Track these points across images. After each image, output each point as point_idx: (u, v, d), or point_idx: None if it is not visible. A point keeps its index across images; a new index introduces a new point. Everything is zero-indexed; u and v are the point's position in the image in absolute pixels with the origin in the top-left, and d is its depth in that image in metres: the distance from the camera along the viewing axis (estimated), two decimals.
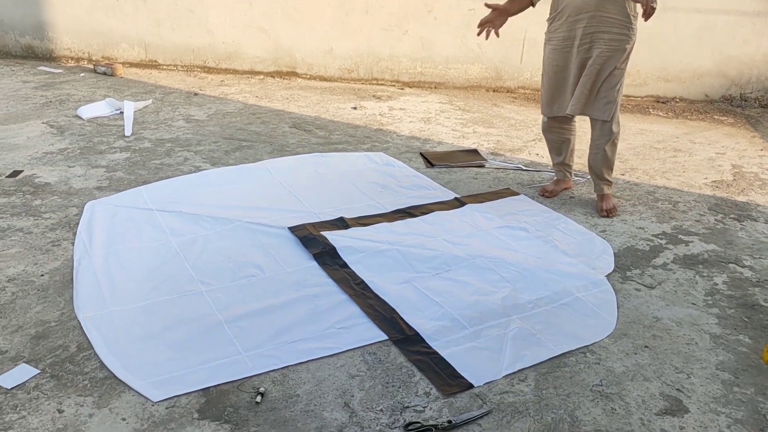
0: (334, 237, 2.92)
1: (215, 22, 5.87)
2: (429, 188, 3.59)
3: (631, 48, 3.10)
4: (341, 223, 3.08)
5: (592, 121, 3.28)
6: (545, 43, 3.29)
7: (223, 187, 3.48)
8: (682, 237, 3.11)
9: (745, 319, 2.46)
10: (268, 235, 2.96)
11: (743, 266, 2.85)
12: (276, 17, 5.79)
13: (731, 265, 2.85)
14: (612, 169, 3.37)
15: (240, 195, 3.39)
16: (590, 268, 2.78)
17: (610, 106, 3.16)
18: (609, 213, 3.32)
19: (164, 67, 6.09)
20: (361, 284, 2.59)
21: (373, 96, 5.47)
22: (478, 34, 3.30)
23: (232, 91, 5.46)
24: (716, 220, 3.31)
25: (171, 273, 2.64)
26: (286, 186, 3.51)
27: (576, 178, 3.73)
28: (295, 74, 5.97)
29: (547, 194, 3.54)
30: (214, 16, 5.85)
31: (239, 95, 5.33)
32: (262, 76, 5.97)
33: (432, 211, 3.27)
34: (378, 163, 3.92)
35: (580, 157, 3.80)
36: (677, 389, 2.08)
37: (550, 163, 4.01)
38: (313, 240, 2.90)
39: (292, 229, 3.00)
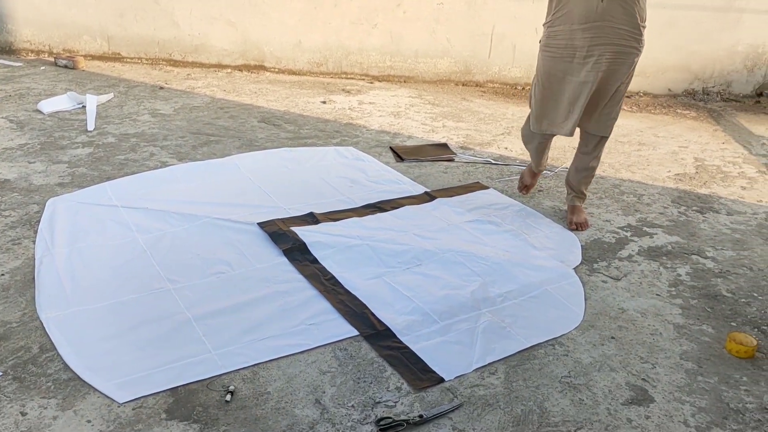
0: (304, 232, 2.91)
1: (181, 14, 5.77)
2: (399, 183, 3.59)
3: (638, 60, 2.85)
4: (311, 219, 3.06)
5: (588, 135, 3.04)
6: (541, 50, 2.93)
7: (191, 183, 3.43)
8: (647, 229, 3.16)
9: (708, 310, 2.52)
10: (236, 231, 2.93)
11: (706, 257, 2.91)
12: (244, 10, 5.71)
13: (694, 257, 2.91)
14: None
15: (208, 191, 3.35)
16: (558, 261, 2.81)
17: (612, 122, 2.96)
18: (580, 227, 3.12)
19: (128, 59, 5.97)
20: (332, 280, 2.58)
21: (343, 90, 5.45)
22: None
23: (199, 84, 5.38)
24: (679, 212, 3.37)
25: (137, 271, 2.59)
26: (255, 181, 3.48)
27: (545, 172, 3.76)
28: (263, 68, 5.91)
29: (525, 188, 3.46)
30: (180, 8, 5.75)
31: (206, 89, 5.26)
32: (229, 70, 5.89)
33: (402, 205, 3.27)
34: (348, 158, 3.91)
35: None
36: (642, 379, 2.12)
37: (519, 157, 4.05)
38: (282, 236, 2.88)
39: (262, 225, 2.97)
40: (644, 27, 2.72)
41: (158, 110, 4.65)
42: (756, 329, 2.40)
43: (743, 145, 4.43)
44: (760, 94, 5.50)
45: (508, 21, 5.53)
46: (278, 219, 3.03)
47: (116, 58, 5.97)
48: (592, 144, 3.04)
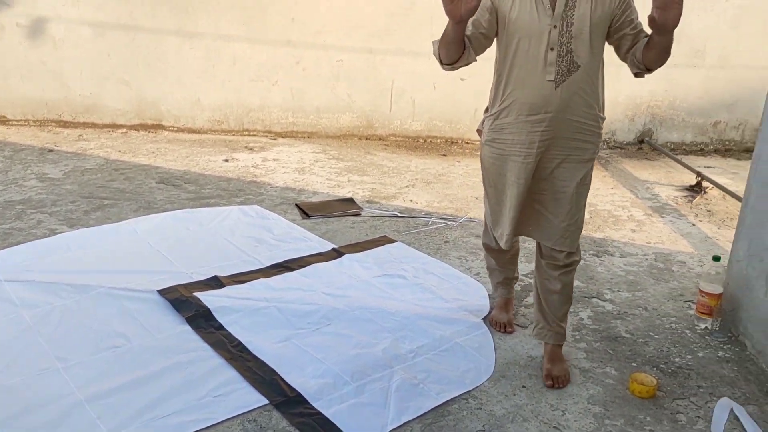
0: (207, 297, 2.79)
1: (71, 74, 5.55)
2: (306, 240, 3.54)
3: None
4: (215, 282, 2.95)
5: (548, 248, 2.43)
6: (484, 144, 2.38)
7: (83, 251, 3.23)
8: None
9: (610, 352, 2.60)
10: (134, 301, 2.77)
11: (604, 300, 3.03)
12: (138, 68, 5.58)
13: (594, 300, 3.02)
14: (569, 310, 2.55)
15: (102, 258, 3.16)
16: (467, 311, 2.84)
17: (576, 233, 2.36)
18: (558, 382, 2.38)
19: (14, 122, 5.65)
20: (239, 346, 2.48)
21: (246, 147, 5.38)
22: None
23: (91, 146, 5.15)
24: None
25: (22, 350, 2.39)
26: (154, 246, 3.33)
27: (438, 221, 3.83)
28: (161, 127, 5.75)
29: (503, 327, 2.73)
30: (70, 68, 5.54)
31: (100, 150, 5.04)
32: (124, 130, 5.70)
33: (310, 263, 3.23)
34: (252, 217, 3.83)
35: (448, 199, 3.90)
36: (554, 427, 2.14)
37: (424, 209, 4.12)
38: (185, 302, 2.75)
39: (162, 292, 2.83)
40: (603, 119, 2.30)
41: (47, 174, 4.40)
42: (655, 368, 2.50)
43: (630, 189, 4.71)
44: (641, 141, 5.90)
45: (406, 76, 5.69)
46: (180, 285, 2.90)
47: (1, 120, 5.64)
48: (554, 259, 2.42)
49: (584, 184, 2.32)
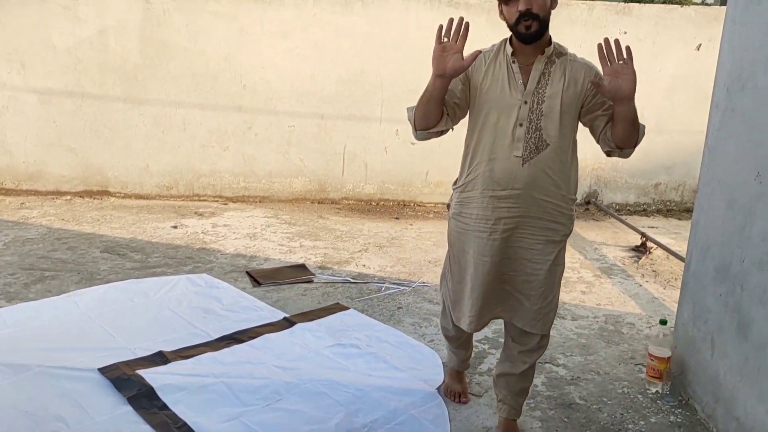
0: (151, 375, 2.67)
1: (14, 140, 5.43)
2: (256, 309, 3.46)
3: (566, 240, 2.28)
4: (160, 359, 2.83)
5: (518, 330, 2.34)
6: (450, 218, 2.33)
7: (21, 327, 3.07)
8: (501, 340, 3.25)
9: (565, 420, 2.59)
10: (74, 380, 2.63)
11: (558, 365, 3.03)
12: (85, 135, 5.50)
13: (547, 365, 3.02)
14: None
15: (41, 335, 3.01)
16: (422, 381, 2.79)
17: (550, 315, 2.27)
18: None
19: None
20: (184, 427, 2.36)
21: (195, 213, 5.31)
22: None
23: (34, 214, 5.00)
24: None
25: None
26: (96, 320, 3.19)
27: (391, 286, 3.82)
28: (107, 193, 5.64)
29: (458, 397, 2.69)
30: (12, 135, 5.42)
31: (42, 218, 4.89)
32: (69, 197, 5.55)
33: (260, 334, 3.14)
34: (201, 286, 3.73)
35: (401, 263, 3.89)
36: None
37: (377, 274, 4.10)
38: (127, 381, 2.62)
39: (103, 371, 2.70)
40: (574, 200, 2.23)
41: None
42: None
43: (579, 250, 4.81)
44: (588, 203, 6.08)
45: (358, 141, 5.77)
46: (122, 362, 2.77)
47: None
48: (526, 341, 2.35)
49: (557, 265, 2.23)
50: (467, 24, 2.01)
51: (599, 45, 1.98)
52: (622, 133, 2.08)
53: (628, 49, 1.97)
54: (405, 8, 5.50)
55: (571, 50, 2.20)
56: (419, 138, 2.25)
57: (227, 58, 5.50)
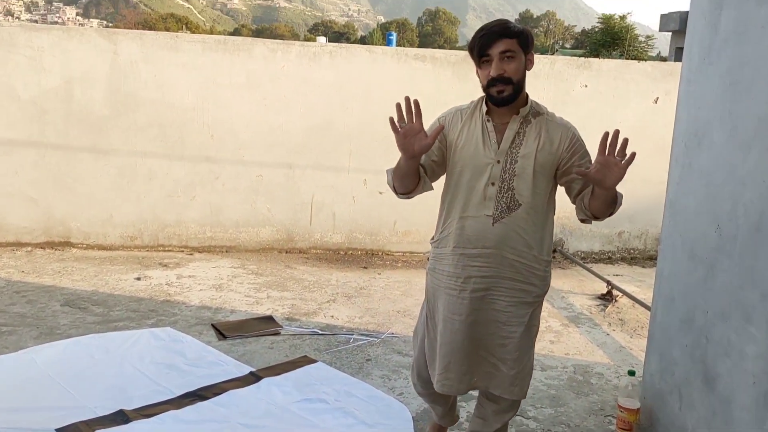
0: None
1: None
2: (221, 364, 3.37)
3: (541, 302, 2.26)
4: (120, 417, 2.73)
5: (496, 396, 2.32)
6: (427, 273, 2.33)
7: None
8: (472, 393, 3.23)
9: None
10: None
11: (528, 417, 3.01)
12: (47, 185, 5.40)
13: (518, 418, 2.99)
14: None
15: None
16: None
17: (526, 379, 2.24)
18: None
19: None
20: None
21: (160, 264, 5.21)
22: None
23: None
24: None
25: None
26: (54, 378, 3.07)
27: (360, 338, 3.77)
28: (69, 244, 5.51)
29: None
30: None
31: (1, 271, 4.75)
32: (29, 248, 5.41)
33: (225, 390, 3.06)
34: (164, 340, 3.63)
35: (370, 314, 3.85)
36: None
37: (345, 325, 4.05)
38: None
39: (61, 431, 2.59)
40: (548, 261, 2.21)
41: None
42: None
43: (547, 299, 4.80)
44: (554, 251, 6.15)
45: (326, 190, 5.78)
46: (81, 421, 2.67)
47: None
48: (500, 404, 2.35)
49: (531, 326, 2.21)
50: (416, 101, 2.02)
51: (604, 134, 1.94)
52: (601, 207, 2.08)
53: (632, 155, 1.94)
54: (372, 60, 5.61)
55: (539, 104, 2.20)
56: (401, 198, 2.29)
57: (195, 108, 5.50)
